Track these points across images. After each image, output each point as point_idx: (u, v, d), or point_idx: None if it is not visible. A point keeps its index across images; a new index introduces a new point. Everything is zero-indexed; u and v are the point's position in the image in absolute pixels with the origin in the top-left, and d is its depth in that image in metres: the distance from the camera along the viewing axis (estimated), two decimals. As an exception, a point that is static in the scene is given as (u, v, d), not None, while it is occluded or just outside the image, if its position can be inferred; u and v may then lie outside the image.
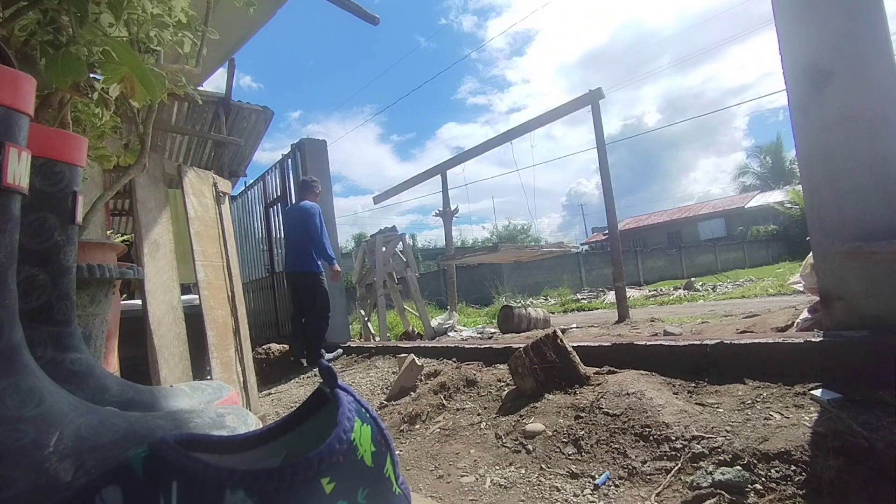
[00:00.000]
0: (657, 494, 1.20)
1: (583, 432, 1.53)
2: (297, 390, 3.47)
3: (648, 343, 1.97)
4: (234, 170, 4.73)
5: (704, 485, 1.14)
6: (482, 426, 1.82)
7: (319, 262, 4.14)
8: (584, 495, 1.28)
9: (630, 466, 1.33)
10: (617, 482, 1.30)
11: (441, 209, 8.61)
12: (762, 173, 31.30)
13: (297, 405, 0.35)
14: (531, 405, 1.79)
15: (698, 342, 1.80)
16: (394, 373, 2.96)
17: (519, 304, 7.63)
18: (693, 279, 13.11)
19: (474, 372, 2.32)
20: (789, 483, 1.08)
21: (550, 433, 1.59)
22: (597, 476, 1.34)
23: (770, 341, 1.66)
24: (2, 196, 0.31)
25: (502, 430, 1.73)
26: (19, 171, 0.32)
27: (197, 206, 2.26)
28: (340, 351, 4.23)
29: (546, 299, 13.49)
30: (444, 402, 2.12)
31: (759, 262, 20.51)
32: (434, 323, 6.21)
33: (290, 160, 5.16)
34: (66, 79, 0.56)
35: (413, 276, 5.92)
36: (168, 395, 0.55)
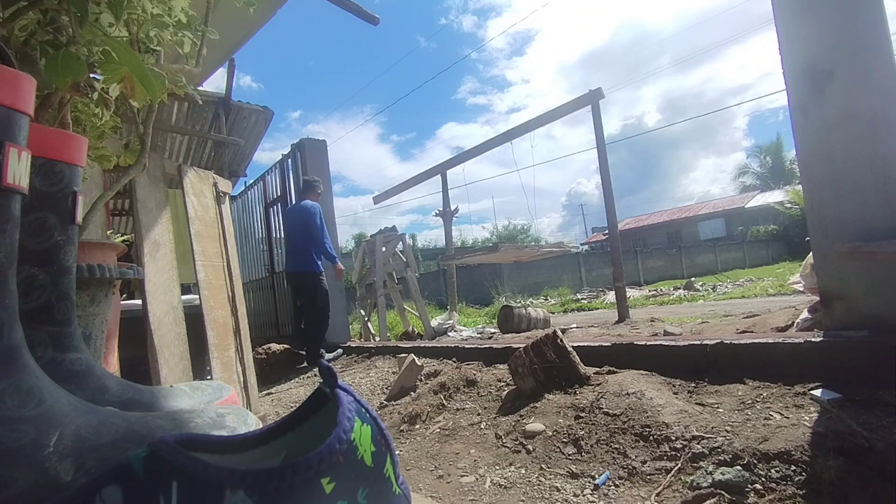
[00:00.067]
0: (657, 494, 1.20)
1: (583, 432, 1.53)
2: (297, 390, 3.47)
3: (648, 343, 1.97)
4: (234, 170, 4.73)
5: (704, 485, 1.14)
6: (482, 426, 1.82)
7: (319, 262, 4.14)
8: (584, 495, 1.28)
9: (630, 466, 1.33)
10: (617, 482, 1.30)
11: (441, 209, 8.61)
12: (762, 173, 31.31)
13: (297, 405, 0.35)
14: (531, 405, 1.79)
15: (698, 342, 1.80)
16: (394, 373, 2.96)
17: (519, 304, 7.63)
18: (693, 279, 13.11)
19: (474, 372, 2.32)
20: (789, 483, 1.08)
21: (550, 433, 1.59)
22: (597, 476, 1.34)
23: (770, 341, 1.66)
24: (2, 196, 0.31)
25: (502, 430, 1.73)
26: (19, 171, 0.32)
27: (197, 206, 2.26)
28: (340, 351, 4.23)
29: (546, 299, 13.49)
30: (444, 402, 2.12)
31: (759, 262, 20.51)
32: (434, 323, 6.21)
33: (290, 160, 5.16)
34: (66, 79, 0.56)
35: (413, 276, 5.92)
36: (168, 395, 0.55)
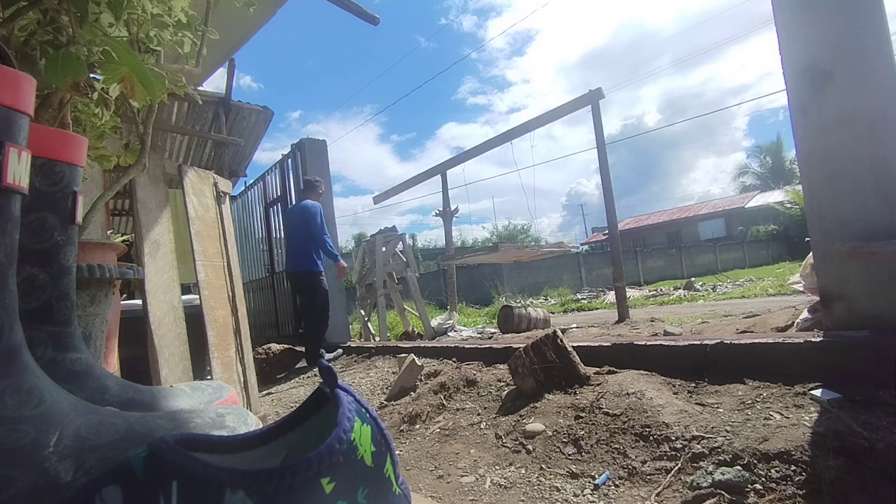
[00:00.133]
0: (657, 494, 1.20)
1: (583, 432, 1.53)
2: (297, 390, 3.47)
3: (648, 343, 1.97)
4: (234, 170, 4.73)
5: (704, 485, 1.14)
6: (482, 426, 1.82)
7: (320, 262, 4.14)
8: (584, 495, 1.28)
9: (630, 466, 1.33)
10: (617, 482, 1.30)
11: (441, 209, 8.62)
12: (762, 173, 31.31)
13: (297, 405, 0.35)
14: (531, 405, 1.79)
15: (698, 342, 1.80)
16: (394, 373, 2.96)
17: (519, 304, 7.63)
18: (693, 279, 13.11)
19: (474, 372, 2.32)
20: (789, 483, 1.08)
21: (550, 433, 1.59)
22: (597, 476, 1.34)
23: (770, 341, 1.66)
24: (2, 196, 0.31)
25: (502, 430, 1.73)
26: (19, 171, 0.32)
27: (197, 206, 2.26)
28: (340, 351, 4.23)
29: (546, 299, 13.49)
30: (444, 402, 2.12)
31: (759, 262, 20.51)
32: (434, 323, 6.21)
33: (290, 160, 5.16)
34: (66, 79, 0.56)
35: (413, 276, 5.92)
36: (168, 395, 0.55)
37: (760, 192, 27.52)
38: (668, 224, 28.98)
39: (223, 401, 0.58)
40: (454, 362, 2.66)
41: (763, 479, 1.11)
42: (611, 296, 10.38)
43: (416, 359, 2.58)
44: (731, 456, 1.20)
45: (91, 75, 0.69)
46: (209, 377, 2.11)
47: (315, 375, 3.82)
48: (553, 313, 9.21)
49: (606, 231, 7.40)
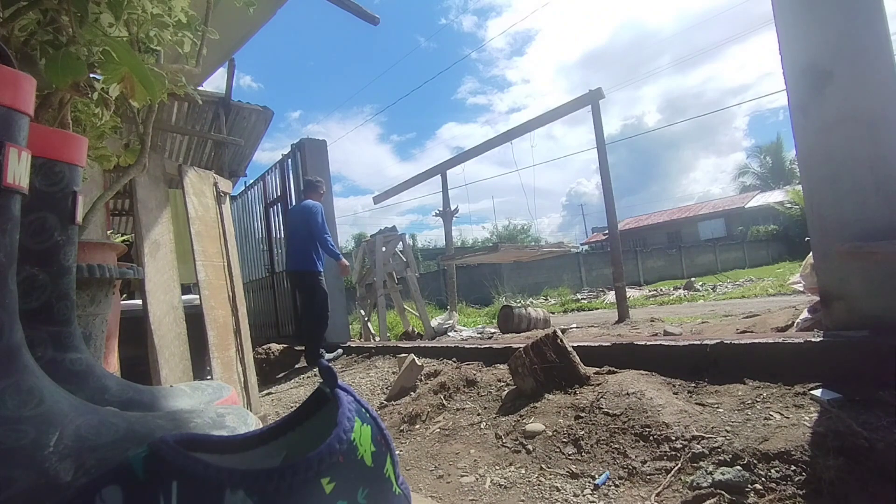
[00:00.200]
0: (657, 494, 1.20)
1: (583, 432, 1.53)
2: (297, 390, 3.47)
3: (648, 343, 1.97)
4: (234, 170, 4.73)
5: (704, 485, 1.14)
6: (482, 426, 1.82)
7: (319, 262, 4.15)
8: (584, 495, 1.28)
9: (630, 466, 1.33)
10: (617, 482, 1.30)
11: (441, 209, 8.62)
12: (762, 173, 31.30)
13: (297, 405, 0.35)
14: (531, 405, 1.79)
15: (698, 342, 1.80)
16: (394, 373, 2.96)
17: (519, 304, 7.63)
18: (693, 279, 13.11)
19: (474, 372, 2.32)
20: (789, 483, 1.08)
21: (550, 433, 1.59)
22: (597, 476, 1.34)
23: (770, 341, 1.66)
24: (2, 196, 0.31)
25: (502, 430, 1.73)
26: (19, 171, 0.32)
27: (197, 206, 2.26)
28: (340, 351, 4.23)
29: (546, 299, 13.49)
30: (444, 402, 2.12)
31: (759, 262, 20.51)
32: (434, 323, 6.22)
33: (290, 160, 5.16)
34: (66, 79, 0.56)
35: (413, 276, 5.92)
36: (168, 395, 0.55)
37: (760, 192, 27.51)
38: (668, 224, 28.98)
39: (223, 401, 0.58)
40: (454, 362, 2.66)
41: (763, 479, 1.11)
42: (611, 296, 10.39)
43: (416, 359, 2.58)
44: (731, 456, 1.20)
45: (91, 75, 0.69)
46: (209, 377, 2.11)
47: (315, 375, 3.82)
48: (553, 313, 9.21)
49: (606, 231, 7.40)
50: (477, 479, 1.49)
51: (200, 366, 2.13)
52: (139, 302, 1.95)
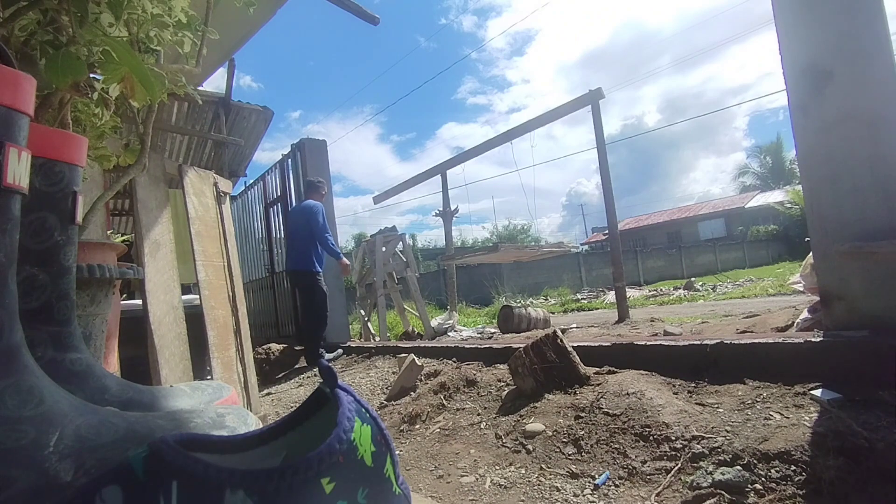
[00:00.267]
0: (657, 494, 1.20)
1: (583, 432, 1.53)
2: (297, 390, 3.47)
3: (648, 343, 1.97)
4: (234, 170, 4.73)
5: (704, 485, 1.14)
6: (482, 426, 1.82)
7: (318, 263, 4.15)
8: (584, 495, 1.28)
9: (630, 466, 1.33)
10: (617, 482, 1.30)
11: (441, 209, 8.62)
12: (762, 173, 31.30)
13: (297, 405, 0.35)
14: (531, 405, 1.79)
15: (698, 342, 1.80)
16: (394, 373, 2.96)
17: (519, 304, 7.63)
18: (693, 279, 13.11)
19: (474, 372, 2.32)
20: (789, 483, 1.08)
21: (550, 433, 1.59)
22: (597, 476, 1.34)
23: (770, 341, 1.66)
24: (2, 196, 0.31)
25: (502, 430, 1.73)
26: (19, 171, 0.32)
27: (197, 206, 2.26)
28: (340, 351, 4.23)
29: (546, 299, 13.49)
30: (444, 402, 2.12)
31: (759, 262, 20.51)
32: (434, 323, 6.22)
33: (290, 160, 5.16)
34: (66, 79, 0.56)
35: (413, 276, 5.92)
36: (168, 395, 0.55)
37: (760, 192, 27.51)
38: (668, 224, 28.98)
39: (223, 401, 0.58)
40: (454, 362, 2.66)
41: (763, 479, 1.11)
42: (611, 296, 10.39)
43: (416, 359, 2.58)
44: (731, 456, 1.20)
45: (91, 75, 0.69)
46: (209, 377, 2.11)
47: (315, 375, 3.82)
48: (553, 313, 9.21)
49: (606, 231, 7.40)
50: (477, 479, 1.49)
51: (200, 366, 2.13)
52: (139, 302, 1.95)
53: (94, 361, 0.52)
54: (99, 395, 0.49)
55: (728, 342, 1.74)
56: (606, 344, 2.09)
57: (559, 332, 1.97)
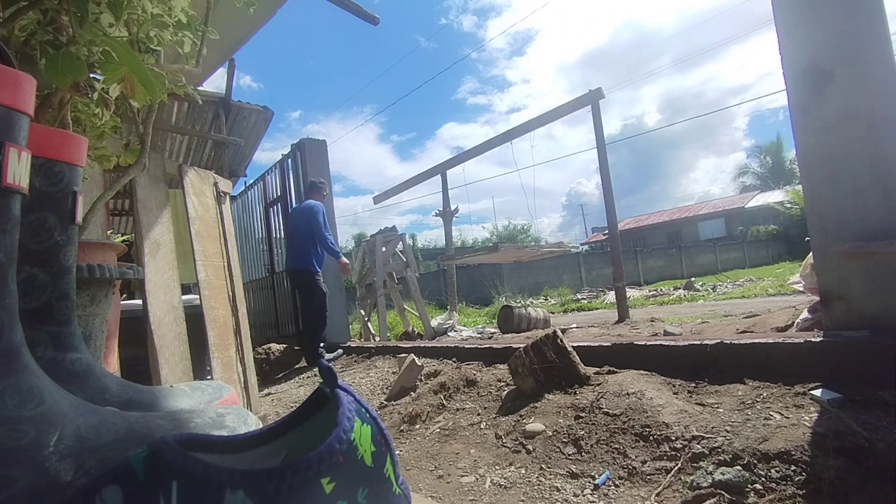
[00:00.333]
0: (657, 494, 1.20)
1: (583, 432, 1.53)
2: (297, 390, 3.47)
3: (648, 343, 1.97)
4: (234, 170, 4.73)
5: (704, 485, 1.14)
6: (482, 426, 1.82)
7: (317, 263, 4.15)
8: (584, 495, 1.28)
9: (630, 466, 1.33)
10: (617, 482, 1.30)
11: (441, 209, 8.62)
12: (762, 173, 31.29)
13: (297, 405, 0.35)
14: (531, 405, 1.79)
15: (698, 342, 1.80)
16: (394, 373, 2.96)
17: (519, 304, 7.63)
18: (693, 279, 13.11)
19: (474, 372, 2.32)
20: (789, 483, 1.08)
21: (550, 433, 1.59)
22: (597, 476, 1.34)
23: (770, 341, 1.66)
24: (2, 196, 0.31)
25: (502, 430, 1.73)
26: (19, 171, 0.32)
27: (198, 206, 2.26)
28: (341, 351, 4.24)
29: (546, 299, 13.49)
30: (444, 402, 2.12)
31: (759, 262, 20.51)
32: (434, 323, 6.22)
33: (290, 160, 5.16)
34: (66, 79, 0.56)
35: (413, 276, 5.92)
36: (168, 395, 0.55)
37: (760, 192, 27.51)
38: (668, 224, 28.98)
39: (223, 401, 0.58)
40: (454, 362, 2.66)
41: (763, 479, 1.11)
42: (611, 296, 10.39)
43: (416, 359, 2.58)
44: (731, 456, 1.20)
45: (91, 75, 0.69)
46: (209, 377, 2.11)
47: (315, 375, 3.82)
48: (553, 313, 9.21)
49: (606, 231, 7.40)
50: (477, 479, 1.49)
51: (200, 366, 2.13)
52: (139, 302, 1.95)
53: (94, 361, 0.52)
54: (99, 395, 0.49)
55: (728, 342, 1.74)
56: (606, 344, 2.09)
57: (559, 332, 1.97)
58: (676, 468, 1.25)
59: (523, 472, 1.46)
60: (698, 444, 1.29)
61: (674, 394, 1.63)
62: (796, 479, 1.08)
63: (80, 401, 0.38)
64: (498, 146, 7.63)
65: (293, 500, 0.26)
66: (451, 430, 1.87)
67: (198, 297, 2.20)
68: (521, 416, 1.76)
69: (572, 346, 1.97)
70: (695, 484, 1.16)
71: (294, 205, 4.92)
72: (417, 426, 2.00)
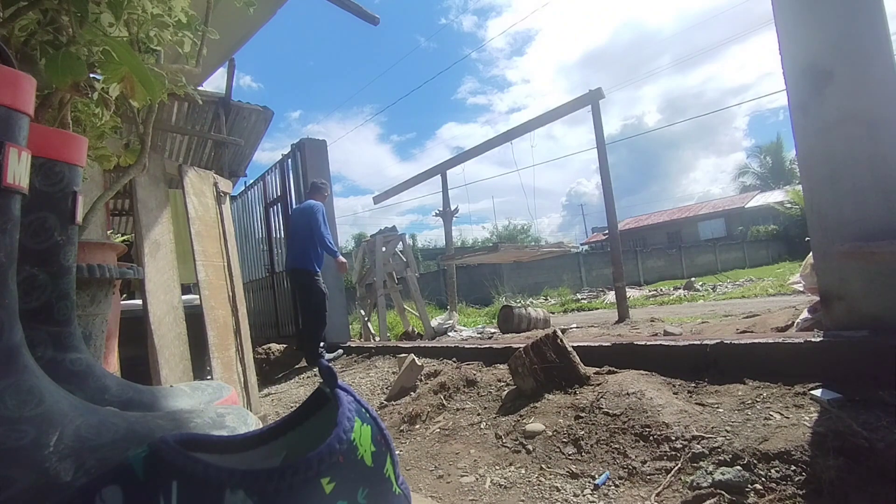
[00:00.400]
0: (657, 494, 1.20)
1: (583, 432, 1.53)
2: (297, 390, 3.47)
3: (648, 343, 1.97)
4: (234, 170, 4.73)
5: (704, 485, 1.14)
6: (482, 426, 1.82)
7: (316, 263, 4.16)
8: (584, 495, 1.28)
9: (630, 466, 1.33)
10: (617, 482, 1.30)
11: (441, 209, 8.62)
12: (762, 173, 31.29)
13: (297, 405, 0.35)
14: (531, 405, 1.79)
15: (698, 342, 1.80)
16: (394, 373, 2.96)
17: (519, 304, 7.63)
18: (693, 279, 13.11)
19: (474, 372, 2.32)
20: (789, 483, 1.08)
21: (550, 433, 1.59)
22: (597, 476, 1.34)
23: (770, 341, 1.66)
24: (2, 196, 0.31)
25: (502, 430, 1.73)
26: (19, 171, 0.32)
27: (197, 206, 2.26)
28: (341, 351, 4.24)
29: (546, 299, 13.49)
30: (444, 402, 2.12)
31: (759, 262, 20.50)
32: (434, 323, 6.22)
33: (290, 160, 5.16)
34: (66, 79, 0.56)
35: (413, 276, 5.92)
36: (168, 395, 0.55)
37: (760, 192, 27.50)
38: (668, 224, 28.98)
39: (223, 401, 0.58)
40: (454, 362, 2.66)
41: (763, 479, 1.11)
42: (611, 296, 10.38)
43: (416, 359, 2.58)
44: (731, 456, 1.20)
45: (91, 75, 0.68)
46: (209, 377, 2.11)
47: (315, 375, 3.82)
48: (553, 313, 9.21)
49: (606, 231, 7.40)
50: (477, 479, 1.49)
51: (200, 366, 2.13)
52: (139, 302, 1.95)
53: (94, 361, 0.52)
54: (99, 395, 0.49)
55: (728, 342, 1.74)
56: (606, 344, 2.09)
57: (559, 332, 1.97)
58: (676, 468, 1.25)
59: (523, 472, 1.46)
60: (698, 444, 1.29)
61: (674, 394, 1.63)
62: (796, 479, 1.08)
63: (80, 401, 0.38)
64: (498, 146, 7.64)
65: (293, 500, 0.26)
66: (451, 430, 1.87)
67: (198, 297, 2.20)
68: (521, 416, 1.76)
69: (572, 346, 1.97)
70: (695, 484, 1.16)
71: (294, 205, 4.92)
72: (417, 426, 2.00)
